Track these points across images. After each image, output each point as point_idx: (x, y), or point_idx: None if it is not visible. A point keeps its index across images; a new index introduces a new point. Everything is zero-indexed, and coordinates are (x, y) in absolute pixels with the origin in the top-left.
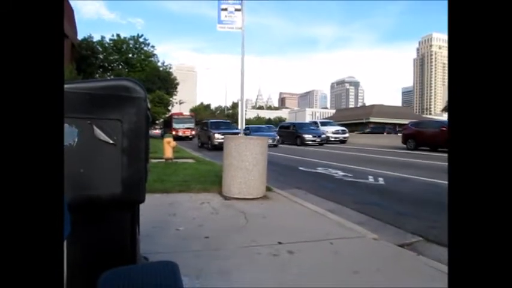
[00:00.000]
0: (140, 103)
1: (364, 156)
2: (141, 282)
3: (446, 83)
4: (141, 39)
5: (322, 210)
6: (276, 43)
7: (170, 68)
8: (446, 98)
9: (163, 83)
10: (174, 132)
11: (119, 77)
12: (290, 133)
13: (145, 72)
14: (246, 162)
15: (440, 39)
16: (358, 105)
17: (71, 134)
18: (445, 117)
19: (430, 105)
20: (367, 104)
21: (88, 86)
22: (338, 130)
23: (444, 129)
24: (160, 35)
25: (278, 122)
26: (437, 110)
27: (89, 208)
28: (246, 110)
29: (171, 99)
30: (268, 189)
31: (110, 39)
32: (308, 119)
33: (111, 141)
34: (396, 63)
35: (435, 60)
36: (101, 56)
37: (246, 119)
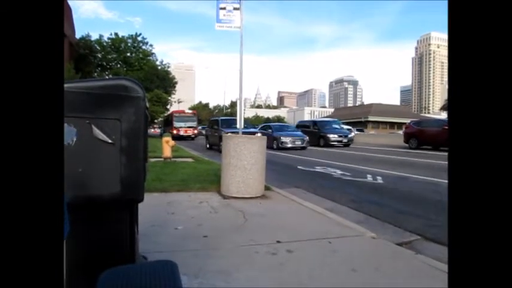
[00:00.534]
0: (139, 102)
1: (363, 155)
2: (139, 281)
3: (444, 82)
4: (139, 38)
5: (320, 209)
6: (275, 42)
7: (169, 66)
8: (444, 97)
9: (161, 82)
10: (175, 132)
11: (117, 76)
12: (311, 133)
13: (144, 71)
14: (244, 161)
15: (439, 38)
16: (357, 104)
17: (69, 134)
18: (443, 116)
19: (428, 104)
20: (365, 103)
21: (86, 86)
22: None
23: (446, 128)
24: (159, 33)
25: (277, 121)
26: (436, 109)
27: (88, 207)
28: (244, 109)
29: (169, 98)
30: (266, 188)
31: (108, 38)
32: (307, 117)
33: (110, 141)
34: (395, 62)
35: (433, 59)
36: (99, 55)
37: (244, 118)
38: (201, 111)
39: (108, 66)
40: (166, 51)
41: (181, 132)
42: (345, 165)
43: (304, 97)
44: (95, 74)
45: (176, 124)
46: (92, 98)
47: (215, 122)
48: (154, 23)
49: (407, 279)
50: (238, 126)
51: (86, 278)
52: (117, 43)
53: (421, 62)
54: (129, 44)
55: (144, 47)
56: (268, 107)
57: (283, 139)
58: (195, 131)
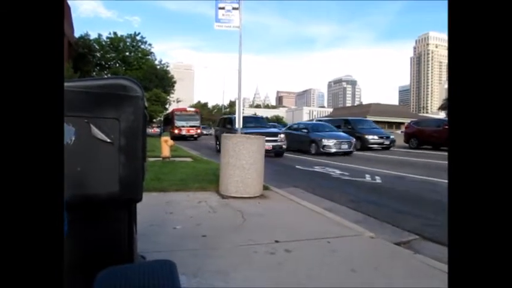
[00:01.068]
0: (137, 102)
1: (362, 155)
2: (138, 281)
3: (442, 82)
4: (138, 38)
5: (319, 208)
6: (274, 41)
7: (167, 66)
8: (442, 97)
9: (160, 81)
10: (176, 131)
11: (116, 76)
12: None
13: (143, 70)
14: (243, 160)
15: (437, 38)
16: (355, 104)
17: (68, 133)
18: (441, 115)
19: (426, 103)
20: (364, 103)
21: (85, 85)
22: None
23: (446, 127)
24: (158, 33)
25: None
26: (434, 109)
27: (86, 207)
28: (243, 109)
29: (168, 97)
30: (265, 187)
31: (107, 37)
32: (305, 117)
33: (109, 140)
34: (393, 62)
35: (432, 59)
36: (98, 54)
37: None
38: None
39: (106, 66)
40: (165, 51)
41: (183, 132)
42: (343, 165)
43: (303, 97)
44: (94, 73)
45: (177, 123)
46: (91, 97)
47: (228, 121)
48: (153, 23)
49: (405, 278)
50: (237, 126)
51: (83, 277)
52: (116, 42)
53: (419, 62)
54: (128, 44)
55: (142, 46)
56: (267, 106)
57: (326, 142)
58: (198, 131)
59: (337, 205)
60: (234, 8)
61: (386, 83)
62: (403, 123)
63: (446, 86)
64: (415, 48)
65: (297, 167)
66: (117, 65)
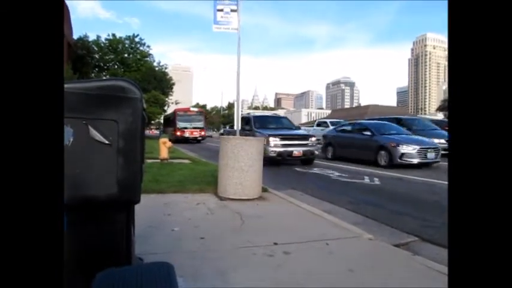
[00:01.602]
0: (136, 103)
1: None
2: (135, 283)
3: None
4: (136, 39)
5: (317, 210)
6: (272, 43)
7: (166, 68)
8: (440, 98)
9: (159, 83)
10: (178, 133)
11: (114, 77)
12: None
13: (141, 72)
14: (241, 162)
15: (435, 39)
16: (354, 106)
17: (66, 134)
18: (439, 116)
19: (424, 104)
20: (362, 104)
21: (84, 86)
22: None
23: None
24: (156, 35)
25: None
26: (432, 110)
27: (84, 208)
28: (242, 111)
29: (166, 99)
30: (264, 189)
31: (106, 39)
32: (304, 119)
33: (107, 142)
34: (391, 63)
35: (429, 60)
36: (97, 56)
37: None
38: None
39: (105, 67)
40: (164, 53)
41: (186, 134)
42: (342, 167)
43: (301, 98)
44: (92, 74)
45: (180, 124)
46: (89, 99)
47: (246, 121)
48: (152, 24)
49: (404, 280)
50: (235, 127)
51: (81, 279)
52: (114, 44)
53: (417, 63)
54: (126, 45)
55: (141, 48)
56: (266, 108)
57: (405, 149)
58: (203, 133)
59: (336, 207)
60: (232, 10)
61: (384, 84)
62: None
63: (444, 87)
64: (412, 49)
65: (295, 169)
66: (116, 66)
